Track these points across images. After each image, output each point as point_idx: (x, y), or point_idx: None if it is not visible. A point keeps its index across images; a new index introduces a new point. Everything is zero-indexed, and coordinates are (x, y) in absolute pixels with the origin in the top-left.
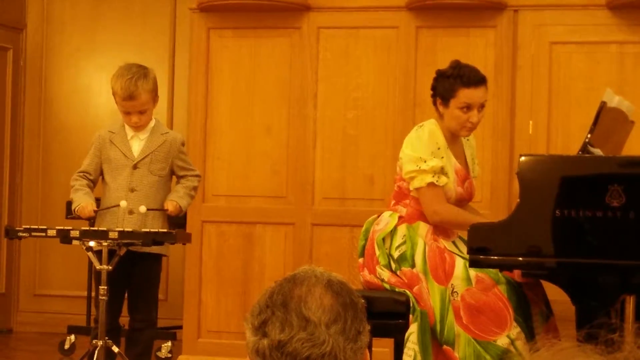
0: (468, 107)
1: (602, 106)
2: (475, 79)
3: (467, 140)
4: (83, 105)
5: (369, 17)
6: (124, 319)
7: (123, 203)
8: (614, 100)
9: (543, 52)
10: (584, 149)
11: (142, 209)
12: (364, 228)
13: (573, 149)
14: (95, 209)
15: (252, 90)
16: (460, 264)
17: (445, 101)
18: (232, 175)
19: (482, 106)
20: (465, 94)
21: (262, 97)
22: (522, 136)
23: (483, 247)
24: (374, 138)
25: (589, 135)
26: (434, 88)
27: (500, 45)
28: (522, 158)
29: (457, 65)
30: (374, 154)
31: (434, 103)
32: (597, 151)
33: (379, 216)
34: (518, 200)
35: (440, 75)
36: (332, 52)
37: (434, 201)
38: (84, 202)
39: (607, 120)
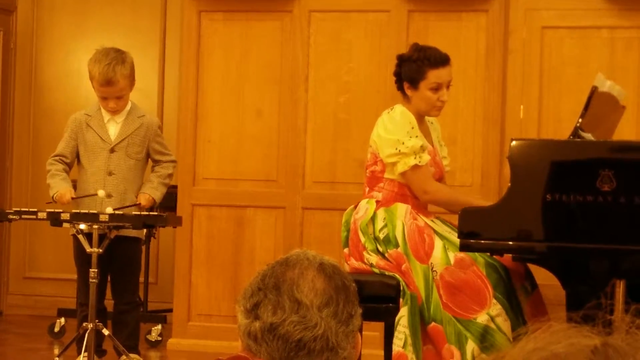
0: (438, 87)
1: (594, 91)
2: (441, 59)
3: (432, 123)
4: (73, 88)
5: (361, 0)
6: (108, 302)
7: (101, 192)
8: (605, 85)
9: (534, 37)
10: (575, 133)
11: (109, 210)
12: (343, 220)
13: (564, 134)
14: (73, 196)
15: (243, 74)
16: (439, 245)
17: (415, 84)
18: (222, 158)
19: (449, 85)
20: (435, 74)
21: (253, 81)
22: (513, 121)
23: (474, 231)
24: (365, 122)
25: (580, 120)
26: (398, 74)
27: (492, 30)
28: (514, 142)
29: (420, 48)
30: (365, 138)
31: (400, 88)
32: (588, 136)
33: (356, 206)
34: (509, 184)
35: (405, 60)
36: (324, 35)
37: (421, 181)
38: (62, 189)
39: (598, 105)
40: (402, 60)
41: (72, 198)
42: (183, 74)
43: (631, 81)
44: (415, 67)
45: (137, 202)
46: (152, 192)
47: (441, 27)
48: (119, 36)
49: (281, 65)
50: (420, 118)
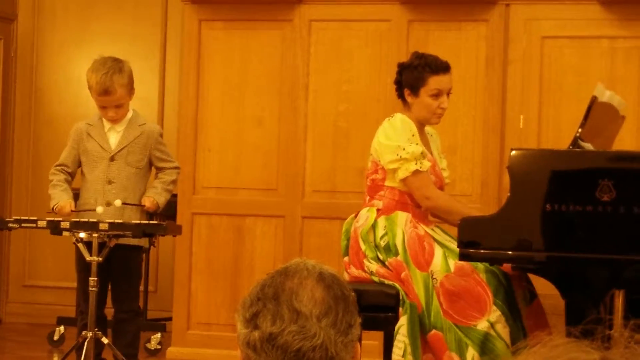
0: (438, 94)
1: (593, 101)
2: (442, 65)
3: (431, 135)
4: (74, 97)
5: (361, 10)
6: (108, 311)
7: (99, 209)
8: (605, 95)
9: (534, 47)
10: (575, 143)
11: (118, 202)
12: (344, 229)
13: (564, 144)
14: (73, 208)
15: (244, 83)
16: (439, 253)
17: (415, 90)
18: (222, 167)
19: (449, 92)
20: (436, 81)
21: (253, 90)
22: (513, 130)
23: (473, 241)
24: (365, 131)
25: (579, 130)
26: (398, 81)
27: (492, 39)
28: (513, 152)
29: (421, 55)
30: (365, 147)
31: (400, 95)
32: (588, 146)
33: (356, 215)
34: (509, 194)
35: (406, 67)
36: (324, 44)
37: (423, 187)
38: (62, 202)
39: (598, 115)
40: (402, 67)
41: (72, 211)
42: (183, 83)
43: (631, 91)
44: (416, 74)
45: (142, 204)
46: (157, 196)
47: (441, 36)
48: (120, 44)
49: (281, 74)
50: (420, 128)
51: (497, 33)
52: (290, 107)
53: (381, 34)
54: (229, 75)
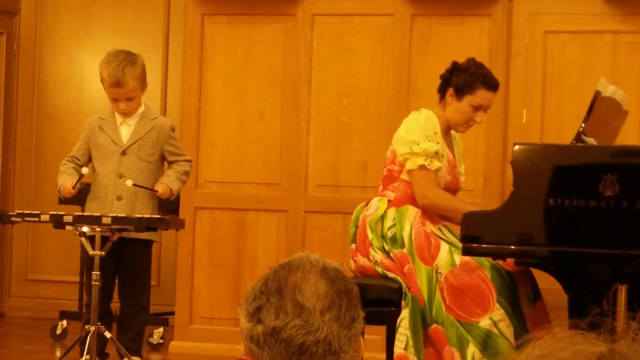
0: (479, 107)
1: (597, 95)
2: (495, 83)
3: (455, 139)
4: (76, 91)
5: (364, 4)
6: (115, 305)
7: (129, 182)
8: (609, 90)
9: (538, 41)
10: (578, 138)
11: (129, 182)
12: (354, 216)
13: (567, 138)
14: (74, 184)
15: (246, 77)
16: (445, 249)
17: (460, 94)
18: (225, 161)
19: (487, 109)
20: (483, 95)
21: (255, 84)
22: (516, 125)
23: (476, 235)
24: (368, 125)
25: (583, 125)
26: (447, 78)
27: (495, 34)
28: (516, 147)
29: (479, 64)
30: (368, 142)
31: (442, 91)
32: (591, 140)
33: (367, 203)
34: (512, 189)
35: (459, 68)
36: (327, 39)
37: (423, 184)
38: (63, 182)
39: (601, 110)
40: (456, 67)
41: (73, 186)
42: (186, 77)
43: (634, 86)
44: (468, 79)
45: (155, 190)
46: (170, 183)
47: (444, 31)
48: (122, 39)
49: (284, 69)
50: (446, 129)
51: (500, 28)
52: (293, 102)
53: (384, 29)
54: (231, 70)
